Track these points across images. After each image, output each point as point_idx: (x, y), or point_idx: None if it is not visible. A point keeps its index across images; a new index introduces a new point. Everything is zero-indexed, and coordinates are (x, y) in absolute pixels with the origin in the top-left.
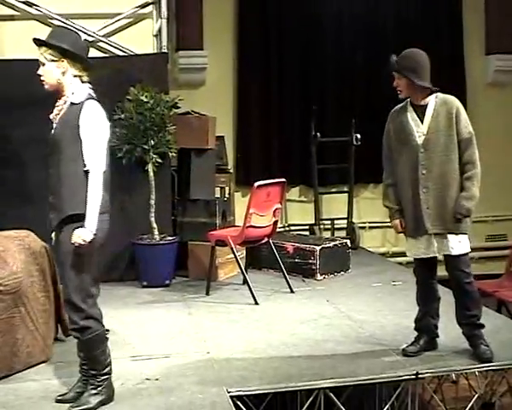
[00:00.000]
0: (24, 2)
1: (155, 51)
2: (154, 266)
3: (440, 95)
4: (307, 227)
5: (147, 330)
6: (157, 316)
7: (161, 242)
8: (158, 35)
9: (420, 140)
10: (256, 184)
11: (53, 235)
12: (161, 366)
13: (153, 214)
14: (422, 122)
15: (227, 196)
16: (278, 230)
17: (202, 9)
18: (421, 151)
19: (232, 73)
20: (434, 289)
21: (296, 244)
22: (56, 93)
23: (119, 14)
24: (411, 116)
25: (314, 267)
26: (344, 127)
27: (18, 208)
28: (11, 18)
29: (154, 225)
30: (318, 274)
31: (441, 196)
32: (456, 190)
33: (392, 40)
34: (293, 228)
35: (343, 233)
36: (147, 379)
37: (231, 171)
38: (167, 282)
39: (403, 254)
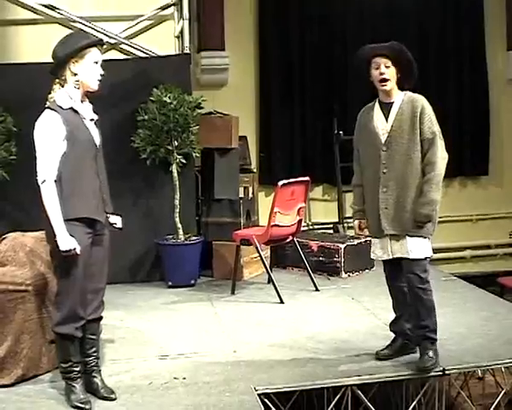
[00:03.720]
0: (46, 6)
1: (177, 52)
2: (180, 266)
3: (409, 93)
4: (331, 226)
5: (173, 330)
6: (183, 316)
7: (186, 242)
8: (180, 36)
9: (383, 138)
10: (280, 182)
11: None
12: (189, 364)
13: (177, 215)
14: (387, 120)
15: (251, 195)
16: (302, 228)
17: (224, 10)
18: (384, 149)
19: (254, 73)
20: (405, 293)
21: (320, 243)
22: (88, 95)
23: (141, 15)
24: (377, 114)
25: (339, 265)
26: None
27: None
28: (33, 22)
29: (179, 226)
30: (343, 272)
31: (400, 196)
32: (416, 192)
33: (414, 36)
34: (316, 227)
35: (366, 231)
36: (175, 378)
37: (254, 170)
38: (192, 282)
39: None
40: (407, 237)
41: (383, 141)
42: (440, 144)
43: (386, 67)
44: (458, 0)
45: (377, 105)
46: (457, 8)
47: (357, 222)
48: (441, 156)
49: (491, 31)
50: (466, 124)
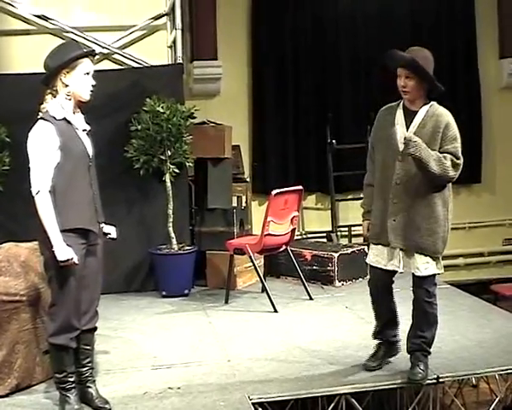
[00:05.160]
0: (39, 17)
1: (170, 62)
2: (173, 275)
3: (435, 105)
4: (324, 234)
5: (167, 340)
6: (177, 325)
7: (180, 251)
8: (172, 46)
9: (401, 146)
10: (273, 192)
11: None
12: (183, 374)
13: (171, 224)
14: (408, 129)
15: (244, 204)
16: (296, 237)
17: (216, 20)
18: (399, 159)
19: (247, 82)
20: (388, 304)
21: (314, 251)
22: (81, 105)
23: (134, 26)
24: (399, 119)
25: (332, 274)
26: (360, 134)
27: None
28: (26, 32)
29: (172, 235)
30: (337, 281)
31: (410, 211)
32: (427, 210)
33: (407, 45)
34: (310, 235)
35: (360, 240)
36: (169, 388)
37: (248, 180)
38: (186, 291)
39: None
40: (416, 254)
41: (400, 150)
42: (457, 164)
43: (407, 78)
44: (450, 9)
45: (401, 109)
46: (449, 18)
47: (366, 223)
48: (458, 168)
49: (483, 39)
50: (459, 132)
